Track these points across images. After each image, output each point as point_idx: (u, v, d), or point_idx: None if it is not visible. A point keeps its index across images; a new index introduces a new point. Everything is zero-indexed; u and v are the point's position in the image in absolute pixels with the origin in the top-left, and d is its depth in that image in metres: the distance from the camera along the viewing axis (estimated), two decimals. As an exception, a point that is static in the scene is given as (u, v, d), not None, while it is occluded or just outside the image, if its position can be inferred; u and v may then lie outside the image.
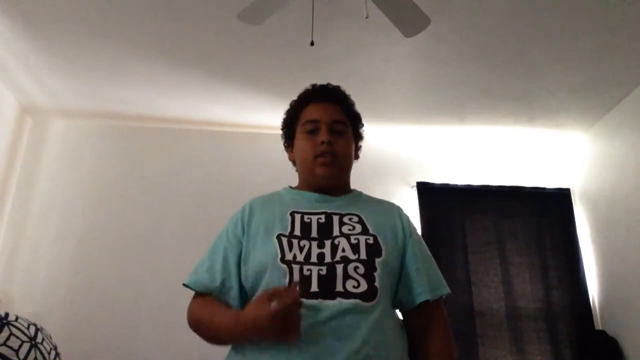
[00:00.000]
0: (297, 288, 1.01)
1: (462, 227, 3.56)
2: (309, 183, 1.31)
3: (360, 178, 4.08)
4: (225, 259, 1.20)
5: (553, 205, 3.68)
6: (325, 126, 1.29)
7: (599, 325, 3.39)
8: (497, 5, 2.47)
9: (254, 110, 3.46)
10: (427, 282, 1.19)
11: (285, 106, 1.41)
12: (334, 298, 1.04)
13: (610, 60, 2.88)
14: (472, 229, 3.56)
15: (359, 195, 1.38)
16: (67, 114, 3.56)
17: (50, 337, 2.60)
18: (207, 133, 3.69)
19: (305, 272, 1.08)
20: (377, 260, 1.12)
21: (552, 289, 3.47)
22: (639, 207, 3.09)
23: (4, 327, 2.29)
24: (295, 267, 1.09)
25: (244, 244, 1.20)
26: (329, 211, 1.22)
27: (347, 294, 1.05)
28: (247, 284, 1.15)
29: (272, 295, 0.98)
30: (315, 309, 1.02)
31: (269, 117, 3.44)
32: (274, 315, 0.96)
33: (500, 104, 3.36)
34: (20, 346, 2.28)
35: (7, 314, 2.37)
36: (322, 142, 1.26)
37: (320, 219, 1.20)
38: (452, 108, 3.42)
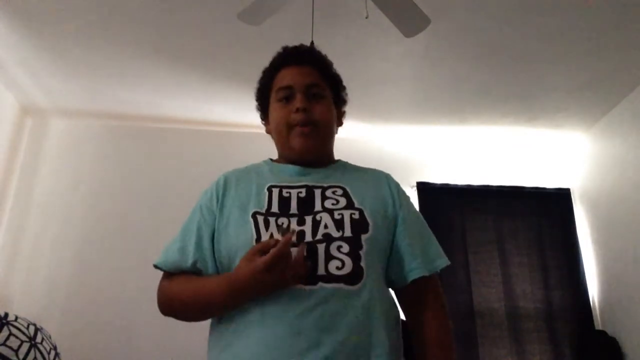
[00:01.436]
0: (292, 237, 0.94)
1: (462, 227, 3.56)
2: (287, 156, 1.19)
3: (360, 178, 4.04)
4: (199, 238, 1.09)
5: (553, 205, 3.68)
6: (300, 92, 1.16)
7: (599, 325, 3.39)
8: (497, 5, 2.47)
9: (254, 110, 3.45)
10: (422, 256, 1.10)
11: (275, 55, 1.35)
12: (315, 283, 0.95)
13: (610, 60, 2.87)
14: (472, 229, 3.56)
15: (344, 165, 1.26)
16: (67, 114, 3.56)
17: (50, 337, 2.60)
18: (207, 133, 3.69)
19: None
20: (364, 237, 1.02)
21: (552, 289, 3.47)
22: (639, 207, 3.09)
23: (3, 327, 2.29)
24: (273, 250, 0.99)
25: (216, 223, 1.09)
26: (310, 184, 1.11)
27: (329, 277, 0.95)
28: (221, 266, 1.06)
29: (260, 250, 0.93)
30: (295, 297, 0.94)
31: (269, 117, 3.43)
32: (269, 265, 0.90)
33: (500, 104, 3.36)
34: (19, 346, 2.28)
35: (6, 314, 2.38)
36: (297, 110, 1.13)
37: (301, 192, 1.09)
38: (452, 108, 3.42)
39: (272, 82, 1.24)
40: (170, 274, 1.10)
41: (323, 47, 2.90)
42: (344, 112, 1.33)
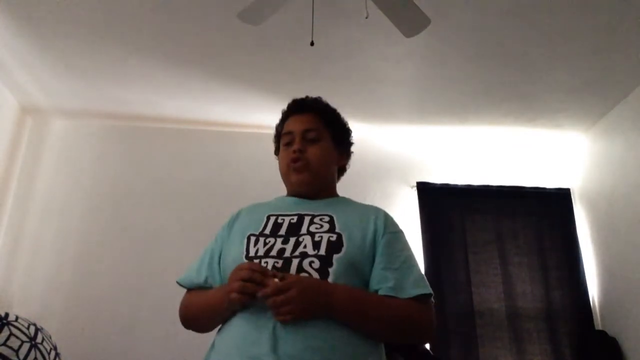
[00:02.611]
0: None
1: (462, 227, 3.56)
2: (290, 191, 1.39)
3: (360, 178, 4.06)
4: (210, 258, 1.29)
5: (553, 205, 3.68)
6: (298, 136, 1.35)
7: (599, 325, 3.39)
8: (497, 6, 2.47)
9: (254, 110, 3.46)
10: (395, 280, 1.15)
11: (285, 106, 1.45)
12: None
13: (610, 60, 2.88)
14: (472, 229, 3.56)
15: (343, 200, 1.41)
16: (67, 114, 3.56)
17: (50, 337, 2.60)
18: (207, 133, 3.69)
19: (263, 264, 1.12)
20: (335, 256, 1.13)
21: (552, 289, 3.47)
22: (639, 207, 3.09)
23: (3, 327, 2.29)
24: (255, 262, 1.13)
25: (222, 248, 1.28)
26: (302, 212, 1.26)
27: None
28: (223, 280, 1.21)
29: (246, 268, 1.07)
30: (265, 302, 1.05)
31: (269, 117, 3.41)
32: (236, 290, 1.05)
33: (500, 104, 3.36)
34: (20, 346, 2.28)
35: (7, 314, 2.38)
36: (294, 151, 1.32)
37: (293, 219, 1.24)
38: (452, 108, 3.43)
39: (281, 129, 1.43)
40: (189, 290, 1.31)
41: (323, 47, 2.92)
42: (349, 153, 1.48)
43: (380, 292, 1.14)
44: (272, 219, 1.26)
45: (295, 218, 1.24)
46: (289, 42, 2.74)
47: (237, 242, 1.23)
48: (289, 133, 1.37)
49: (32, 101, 3.39)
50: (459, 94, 3.26)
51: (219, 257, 1.27)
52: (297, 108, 1.42)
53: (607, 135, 3.45)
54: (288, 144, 1.37)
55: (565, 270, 3.52)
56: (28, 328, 2.42)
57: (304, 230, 1.20)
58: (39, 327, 2.52)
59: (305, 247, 1.14)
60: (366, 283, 1.16)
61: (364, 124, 3.61)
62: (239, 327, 1.08)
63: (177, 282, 1.32)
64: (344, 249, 1.15)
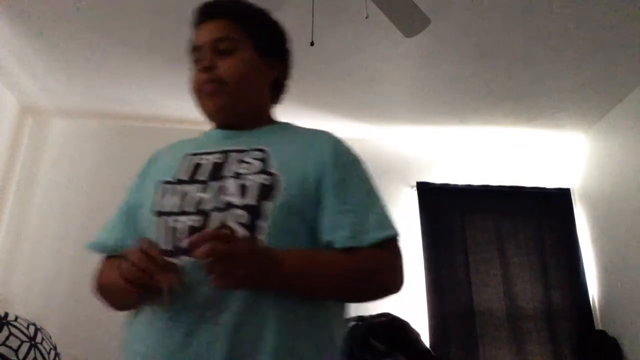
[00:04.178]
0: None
1: (462, 227, 3.56)
2: (211, 121, 1.10)
3: (360, 178, 4.03)
4: (118, 217, 1.06)
5: (553, 205, 3.68)
6: (207, 50, 1.04)
7: (599, 325, 3.39)
8: (497, 6, 2.47)
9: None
10: (352, 225, 0.92)
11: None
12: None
13: (610, 60, 2.87)
14: (472, 229, 3.56)
15: (283, 126, 1.11)
16: (67, 114, 3.56)
17: (50, 337, 2.60)
18: (207, 133, 3.69)
19: (171, 224, 0.90)
20: (268, 206, 0.88)
21: (552, 289, 3.47)
22: (639, 207, 3.09)
23: (3, 326, 2.29)
24: (165, 219, 0.91)
25: (133, 201, 1.05)
26: (229, 148, 1.00)
27: None
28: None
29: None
30: (183, 272, 0.83)
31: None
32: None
33: (500, 104, 3.36)
34: (19, 346, 2.29)
35: (6, 314, 2.38)
36: (202, 70, 1.03)
37: (218, 158, 0.99)
38: (452, 108, 3.42)
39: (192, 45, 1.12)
40: (105, 257, 1.05)
41: (323, 47, 2.92)
42: (287, 63, 1.17)
43: (337, 246, 0.90)
44: (191, 159, 1.01)
45: (220, 156, 0.99)
46: (289, 42, 2.74)
47: (150, 192, 0.98)
48: (197, 48, 1.06)
49: (32, 101, 3.39)
50: (459, 94, 3.26)
51: (130, 215, 1.03)
52: (205, 15, 1.08)
53: (607, 135, 3.45)
54: (198, 62, 1.06)
55: (565, 270, 3.52)
56: (28, 328, 2.42)
57: (228, 171, 0.94)
58: (38, 327, 2.52)
59: (229, 194, 0.90)
60: (313, 232, 0.93)
61: (364, 124, 3.61)
62: (146, 326, 0.87)
63: (88, 248, 1.06)
64: (279, 196, 0.89)
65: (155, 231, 0.91)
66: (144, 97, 3.35)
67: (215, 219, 0.87)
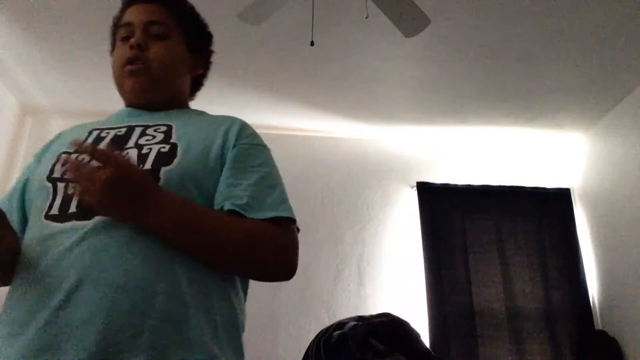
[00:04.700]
0: None
1: (462, 227, 3.56)
2: (125, 100, 1.10)
3: (360, 178, 4.05)
4: (12, 191, 1.01)
5: (553, 205, 3.68)
6: (138, 29, 1.04)
7: (599, 325, 3.39)
8: (497, 6, 2.47)
9: (254, 110, 3.45)
10: (247, 198, 0.89)
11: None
12: (90, 218, 0.81)
13: (610, 60, 2.88)
14: (472, 229, 3.56)
15: (193, 111, 1.13)
16: (67, 114, 3.56)
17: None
18: (207, 133, 3.69)
19: (70, 190, 0.86)
20: (164, 169, 0.87)
21: (552, 289, 3.47)
22: (639, 207, 3.09)
23: (3, 327, 2.28)
24: (60, 186, 0.88)
25: (28, 175, 1.00)
26: (135, 124, 0.99)
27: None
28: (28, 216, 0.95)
29: None
30: (66, 235, 0.80)
31: (269, 116, 3.44)
32: None
33: (500, 104, 3.36)
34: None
35: (7, 314, 2.37)
36: (131, 47, 1.02)
37: (120, 131, 0.97)
38: (452, 108, 3.43)
39: (118, 21, 1.14)
40: None
41: (323, 47, 2.91)
42: (206, 64, 1.19)
43: (226, 208, 0.88)
44: (95, 133, 0.98)
45: (124, 130, 0.97)
46: (289, 42, 2.74)
47: (46, 162, 0.96)
48: (128, 25, 1.07)
49: (32, 101, 3.39)
50: (459, 94, 3.26)
51: (23, 189, 0.99)
52: None
53: (607, 135, 3.45)
54: (125, 39, 1.06)
55: (565, 270, 3.52)
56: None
57: (131, 143, 0.93)
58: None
59: None
60: (210, 203, 0.91)
61: (364, 124, 3.61)
62: (25, 275, 0.82)
63: None
64: (176, 160, 0.88)
65: (44, 196, 0.88)
66: (144, 97, 3.35)
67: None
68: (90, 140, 0.96)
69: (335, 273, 3.37)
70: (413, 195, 3.60)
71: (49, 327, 0.74)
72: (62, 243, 0.80)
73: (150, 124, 0.98)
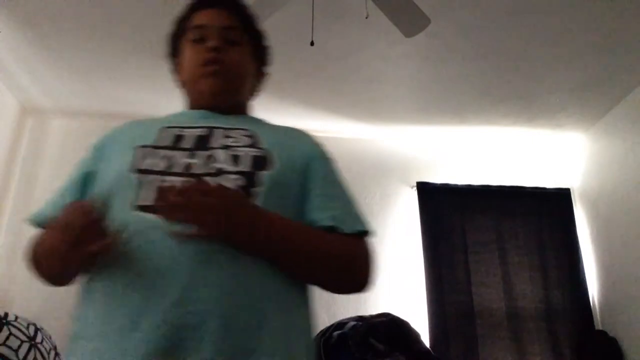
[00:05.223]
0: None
1: (462, 227, 3.56)
2: (193, 102, 1.09)
3: (360, 178, 4.06)
4: (69, 186, 1.01)
5: (553, 205, 3.68)
6: (215, 32, 1.05)
7: (599, 325, 3.39)
8: (497, 5, 2.47)
9: (254, 109, 3.45)
10: (338, 210, 0.93)
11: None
12: None
13: (610, 60, 2.88)
14: (472, 229, 3.56)
15: (259, 119, 1.13)
16: (67, 114, 3.56)
17: (50, 337, 2.60)
18: (207, 133, 3.69)
19: (158, 183, 0.84)
20: (264, 173, 0.87)
21: (552, 289, 3.46)
22: (639, 207, 3.09)
23: (3, 327, 2.29)
24: (150, 178, 0.85)
25: (95, 167, 0.98)
26: (212, 125, 0.98)
27: None
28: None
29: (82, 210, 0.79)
30: (161, 227, 0.78)
31: (269, 116, 3.42)
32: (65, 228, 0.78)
33: (500, 104, 3.36)
34: (19, 346, 2.28)
35: (6, 314, 2.38)
36: (210, 48, 1.03)
37: (200, 132, 0.96)
38: (452, 108, 3.43)
39: (186, 23, 1.13)
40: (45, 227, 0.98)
41: (323, 46, 2.91)
42: (264, 73, 1.23)
43: (321, 224, 0.90)
44: (170, 131, 0.96)
45: (204, 131, 0.96)
46: (289, 42, 2.74)
47: (120, 156, 0.92)
48: (201, 27, 1.07)
49: (32, 101, 3.39)
50: (459, 94, 3.26)
51: (84, 185, 0.98)
52: (215, 1, 1.11)
53: (607, 135, 3.45)
54: (199, 41, 1.06)
55: (565, 270, 3.52)
56: (27, 328, 2.42)
57: (215, 144, 0.92)
58: (38, 326, 2.52)
59: (220, 162, 0.88)
60: (297, 214, 0.92)
61: (364, 124, 3.61)
62: (103, 294, 0.81)
63: (28, 221, 1.02)
64: (274, 166, 0.89)
65: (129, 187, 0.85)
66: (143, 97, 3.35)
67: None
68: (168, 139, 0.94)
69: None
70: (413, 195, 3.60)
71: (167, 326, 0.73)
72: (165, 238, 0.77)
73: (229, 127, 0.98)
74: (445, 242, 3.50)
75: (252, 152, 0.91)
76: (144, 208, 0.82)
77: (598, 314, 3.42)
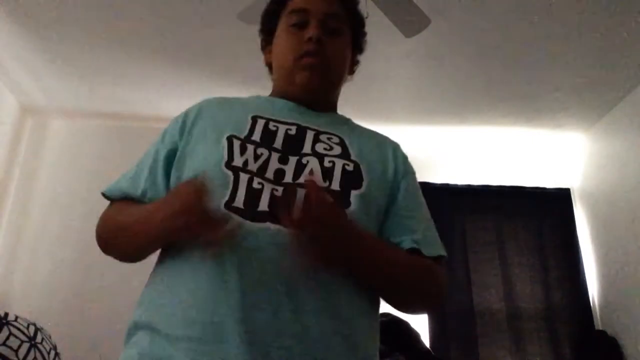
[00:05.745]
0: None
1: (462, 227, 3.56)
2: (285, 91, 1.01)
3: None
4: (154, 162, 0.94)
5: (553, 205, 3.68)
6: (316, 19, 0.97)
7: (599, 325, 3.39)
8: (497, 6, 2.47)
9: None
10: (422, 232, 0.91)
11: None
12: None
13: (610, 60, 2.87)
14: (472, 229, 3.56)
15: (346, 119, 1.07)
16: (67, 114, 3.56)
17: (50, 337, 2.60)
18: (207, 133, 3.69)
19: (256, 185, 0.81)
20: (354, 193, 0.84)
21: (552, 289, 3.46)
22: (639, 207, 3.09)
23: (3, 327, 2.29)
24: (244, 177, 0.82)
25: (181, 145, 0.93)
26: (302, 124, 0.93)
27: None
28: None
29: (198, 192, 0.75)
30: (256, 235, 0.76)
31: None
32: (201, 209, 0.74)
33: (500, 104, 3.36)
34: (19, 346, 2.28)
35: (6, 314, 2.38)
36: (310, 39, 0.95)
37: (290, 130, 0.91)
38: (452, 108, 3.42)
39: (285, 3, 1.04)
40: (116, 202, 0.96)
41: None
42: (358, 62, 1.14)
43: (404, 245, 0.89)
44: (261, 122, 0.92)
45: (294, 129, 0.92)
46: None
47: (211, 142, 0.88)
48: (303, 11, 0.98)
49: (32, 101, 3.39)
50: (458, 94, 3.26)
51: (168, 163, 0.93)
52: None
53: (607, 135, 3.45)
54: (297, 26, 0.98)
55: (565, 270, 3.51)
56: (27, 328, 2.41)
57: (307, 148, 0.88)
58: (38, 326, 2.52)
59: (311, 173, 0.85)
60: (379, 229, 0.90)
61: (363, 123, 3.60)
62: (197, 283, 0.76)
63: (103, 194, 0.98)
64: (364, 184, 0.86)
65: (221, 183, 0.81)
66: (144, 97, 3.35)
67: (300, 196, 0.77)
68: (258, 131, 0.89)
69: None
70: (413, 195, 3.59)
71: (256, 343, 0.71)
72: (259, 246, 0.76)
73: (320, 129, 0.93)
74: (445, 242, 3.47)
75: (343, 163, 0.88)
76: (235, 210, 0.79)
77: (598, 314, 3.42)
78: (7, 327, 2.30)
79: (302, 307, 0.74)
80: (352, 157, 0.90)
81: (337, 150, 0.90)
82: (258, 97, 1.05)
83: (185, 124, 0.96)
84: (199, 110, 0.98)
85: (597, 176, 3.52)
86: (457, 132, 3.73)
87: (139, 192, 0.92)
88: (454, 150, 3.83)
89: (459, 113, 3.48)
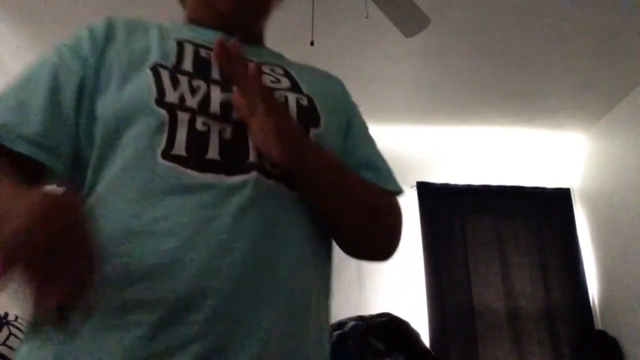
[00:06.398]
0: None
1: (462, 227, 3.56)
2: (204, 19, 0.87)
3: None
4: (54, 90, 0.72)
5: (553, 205, 3.68)
6: None
7: (599, 325, 3.39)
8: (497, 6, 2.47)
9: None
10: (381, 167, 0.84)
11: None
12: (246, 171, 0.64)
13: (610, 60, 2.88)
14: (472, 229, 3.56)
15: (280, 53, 0.94)
16: (67, 114, 3.56)
17: (50, 337, 2.59)
18: (207, 133, 3.69)
19: (200, 127, 0.65)
20: (313, 131, 0.73)
21: (552, 289, 3.47)
22: (639, 207, 3.09)
23: (3, 326, 2.29)
24: (183, 116, 0.65)
25: (91, 69, 0.72)
26: None
27: (265, 170, 0.65)
28: (96, 139, 0.66)
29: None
30: (212, 188, 0.61)
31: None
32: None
33: (500, 104, 3.36)
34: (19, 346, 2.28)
35: (6, 314, 2.38)
36: None
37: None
38: (452, 108, 3.43)
39: None
40: None
41: (323, 47, 2.90)
42: None
43: (363, 176, 0.80)
44: (190, 48, 0.76)
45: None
46: (289, 42, 2.74)
47: (131, 75, 0.69)
48: None
49: (32, 101, 3.39)
50: (458, 94, 3.26)
51: (79, 90, 0.71)
52: None
53: (607, 135, 3.45)
54: None
55: (565, 270, 3.52)
56: (28, 328, 2.41)
57: None
58: (38, 327, 2.52)
59: None
60: None
61: None
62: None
63: None
64: (322, 123, 0.75)
65: (153, 125, 0.64)
66: (144, 97, 3.36)
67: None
68: (188, 58, 0.73)
69: (335, 273, 3.36)
70: (413, 195, 3.60)
71: (217, 321, 0.56)
72: (213, 204, 0.60)
73: (261, 60, 0.77)
74: (445, 242, 3.50)
75: (296, 97, 0.76)
76: (175, 159, 0.63)
77: (598, 314, 3.42)
78: (7, 327, 2.30)
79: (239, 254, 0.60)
80: (304, 91, 0.78)
81: (286, 82, 0.78)
82: (175, 24, 0.89)
83: (95, 40, 0.77)
84: (109, 27, 0.80)
85: (597, 176, 3.53)
86: (457, 132, 3.73)
87: (30, 131, 0.65)
88: (454, 150, 3.83)
89: (459, 113, 3.48)
